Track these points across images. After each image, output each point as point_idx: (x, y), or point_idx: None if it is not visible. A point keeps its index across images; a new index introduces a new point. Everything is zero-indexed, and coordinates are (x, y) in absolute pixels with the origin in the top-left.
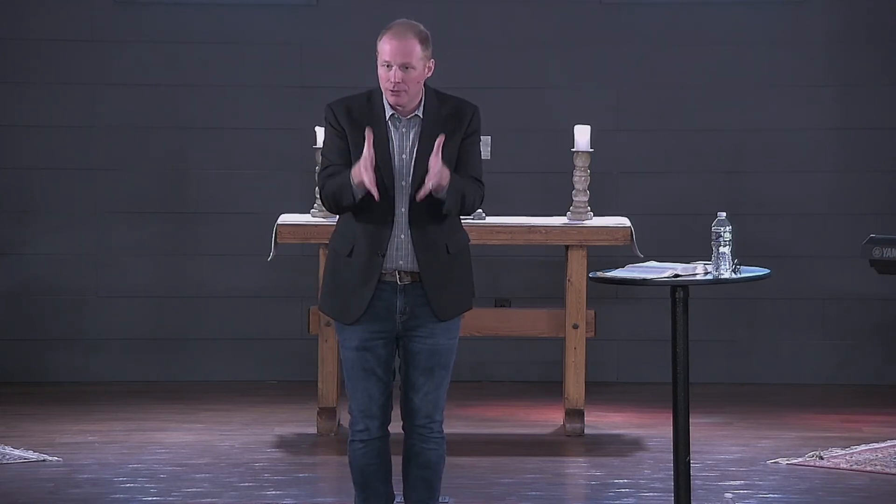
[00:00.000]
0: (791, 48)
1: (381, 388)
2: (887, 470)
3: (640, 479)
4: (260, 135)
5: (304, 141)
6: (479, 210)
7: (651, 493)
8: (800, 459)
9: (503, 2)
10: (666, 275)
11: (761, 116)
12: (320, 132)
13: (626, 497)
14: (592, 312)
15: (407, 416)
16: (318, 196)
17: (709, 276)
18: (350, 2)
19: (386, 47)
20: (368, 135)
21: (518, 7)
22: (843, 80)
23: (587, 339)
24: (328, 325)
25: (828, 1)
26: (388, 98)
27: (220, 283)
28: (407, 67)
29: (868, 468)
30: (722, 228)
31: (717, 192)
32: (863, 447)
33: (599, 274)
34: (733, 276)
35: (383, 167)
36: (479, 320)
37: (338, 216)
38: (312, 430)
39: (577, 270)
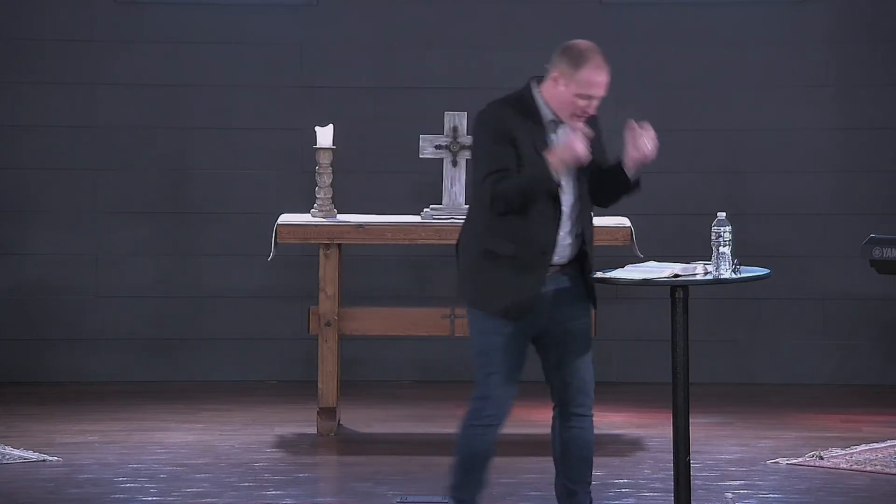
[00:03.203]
0: (791, 48)
1: (518, 377)
2: (887, 470)
3: (640, 479)
4: (260, 135)
5: (304, 141)
6: None
7: (651, 493)
8: (800, 459)
9: (502, 2)
10: (666, 275)
11: (761, 116)
12: (320, 132)
13: (626, 497)
14: (593, 312)
15: (564, 400)
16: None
17: (709, 276)
18: (350, 2)
19: (597, 80)
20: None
21: (517, 7)
22: (843, 80)
23: None
24: (328, 325)
25: (828, 1)
26: (566, 119)
27: (220, 283)
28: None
29: (868, 468)
30: (722, 228)
31: (717, 192)
32: (863, 447)
33: (599, 274)
34: (733, 276)
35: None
36: None
37: (470, 217)
38: (312, 430)
39: None
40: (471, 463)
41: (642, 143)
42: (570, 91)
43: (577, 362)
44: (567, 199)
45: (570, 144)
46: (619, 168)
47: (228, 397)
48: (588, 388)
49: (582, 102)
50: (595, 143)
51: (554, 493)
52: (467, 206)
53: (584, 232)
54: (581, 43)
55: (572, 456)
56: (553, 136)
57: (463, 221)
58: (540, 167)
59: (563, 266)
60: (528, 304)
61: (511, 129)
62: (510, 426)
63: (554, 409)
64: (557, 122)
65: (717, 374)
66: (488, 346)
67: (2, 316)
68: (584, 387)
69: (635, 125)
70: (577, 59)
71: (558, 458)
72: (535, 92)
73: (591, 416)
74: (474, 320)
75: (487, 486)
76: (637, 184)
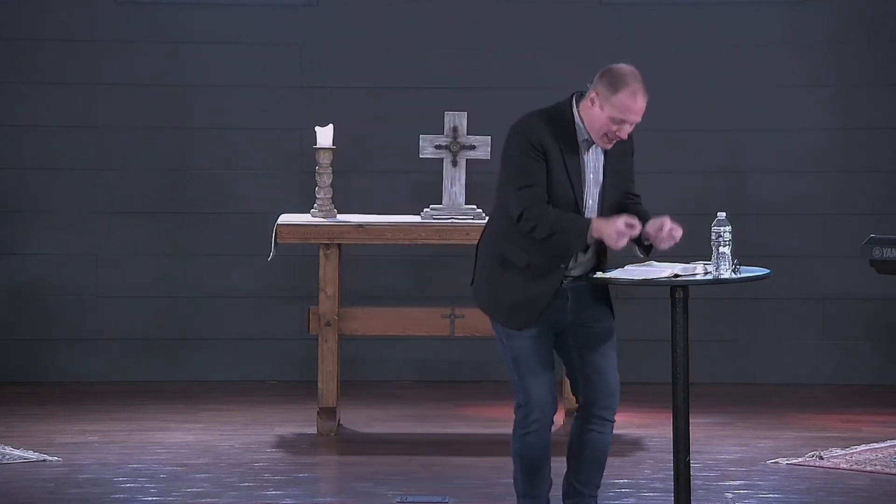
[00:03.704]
0: (791, 48)
1: (552, 376)
2: (887, 470)
3: (640, 479)
4: (260, 135)
5: (304, 141)
6: (479, 210)
7: (651, 493)
8: (800, 459)
9: (503, 2)
10: (666, 275)
11: (761, 116)
12: (320, 132)
13: (626, 497)
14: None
15: (589, 400)
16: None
17: (709, 276)
18: (350, 2)
19: (632, 106)
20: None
21: (518, 7)
22: (843, 80)
23: None
24: (328, 325)
25: (828, 1)
26: (597, 140)
27: (220, 283)
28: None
29: (868, 468)
30: (722, 228)
31: (717, 192)
32: (863, 447)
33: (599, 274)
34: (733, 276)
35: (575, 185)
36: (480, 320)
37: (489, 224)
38: (312, 430)
39: None
40: (532, 468)
41: (664, 237)
42: (605, 114)
43: (601, 362)
44: (590, 216)
45: (619, 234)
46: (640, 219)
47: (228, 397)
48: (614, 390)
49: (614, 126)
50: (624, 166)
51: (560, 491)
52: (470, 206)
53: (603, 246)
54: (623, 67)
55: (586, 458)
56: (584, 157)
57: (485, 222)
58: (582, 224)
59: (578, 276)
60: (534, 313)
61: (545, 145)
62: (509, 426)
63: (577, 409)
64: (590, 143)
65: (717, 374)
66: (518, 350)
67: (2, 316)
68: (609, 388)
69: (668, 224)
70: (615, 83)
71: (572, 457)
72: (574, 109)
73: (613, 421)
74: (497, 325)
75: (552, 482)
76: (649, 248)
